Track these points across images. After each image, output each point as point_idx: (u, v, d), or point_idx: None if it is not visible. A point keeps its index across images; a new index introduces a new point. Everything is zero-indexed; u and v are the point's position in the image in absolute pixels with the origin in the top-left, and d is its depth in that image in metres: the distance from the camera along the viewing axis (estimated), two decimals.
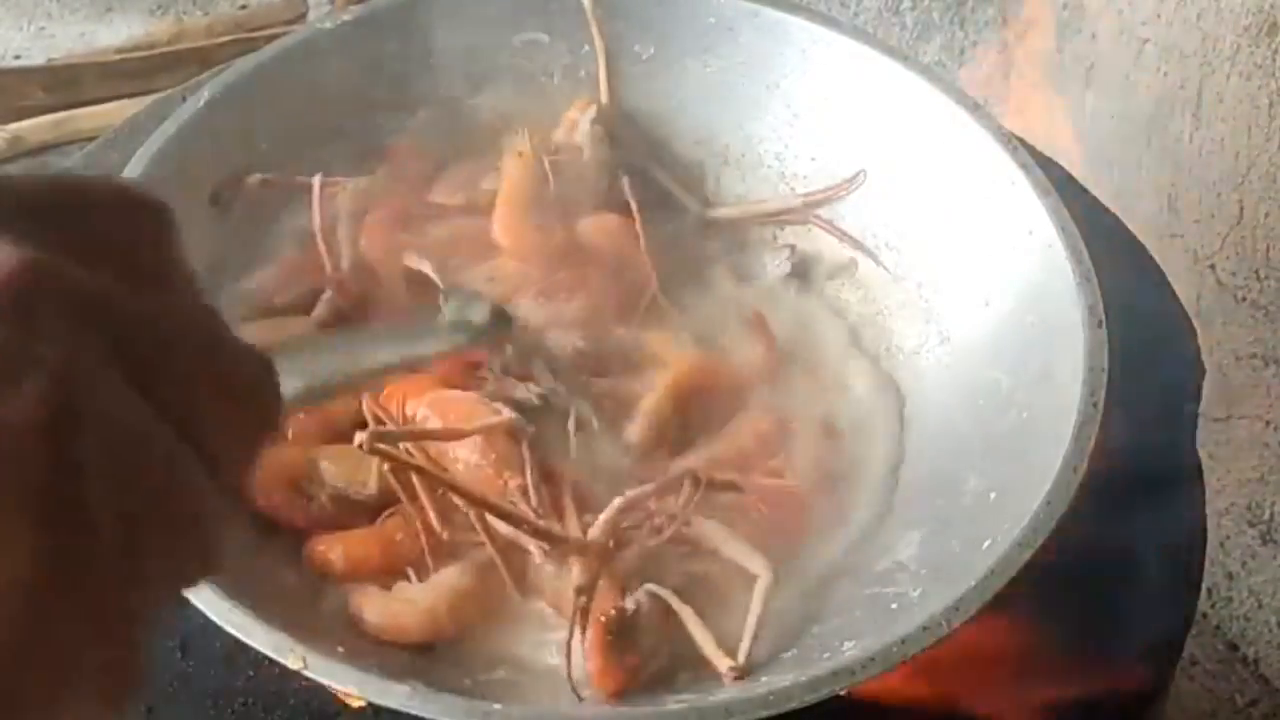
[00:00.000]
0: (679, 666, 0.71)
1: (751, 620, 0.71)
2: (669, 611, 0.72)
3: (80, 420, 0.23)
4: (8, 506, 0.23)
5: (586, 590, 0.70)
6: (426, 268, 0.84)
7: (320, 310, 0.83)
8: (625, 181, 0.91)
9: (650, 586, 0.72)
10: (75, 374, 0.24)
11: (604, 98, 0.94)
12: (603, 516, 0.73)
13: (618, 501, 0.73)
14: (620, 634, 0.69)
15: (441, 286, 0.82)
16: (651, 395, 0.82)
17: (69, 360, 0.24)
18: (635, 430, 0.81)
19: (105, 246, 0.26)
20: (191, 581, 0.27)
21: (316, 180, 0.87)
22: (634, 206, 0.90)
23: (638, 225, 0.89)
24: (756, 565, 0.74)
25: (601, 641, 0.69)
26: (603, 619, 0.69)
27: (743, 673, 0.69)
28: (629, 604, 0.71)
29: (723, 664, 0.69)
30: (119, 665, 0.25)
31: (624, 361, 0.84)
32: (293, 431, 0.77)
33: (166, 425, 0.26)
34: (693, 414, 0.82)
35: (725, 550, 0.75)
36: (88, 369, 0.24)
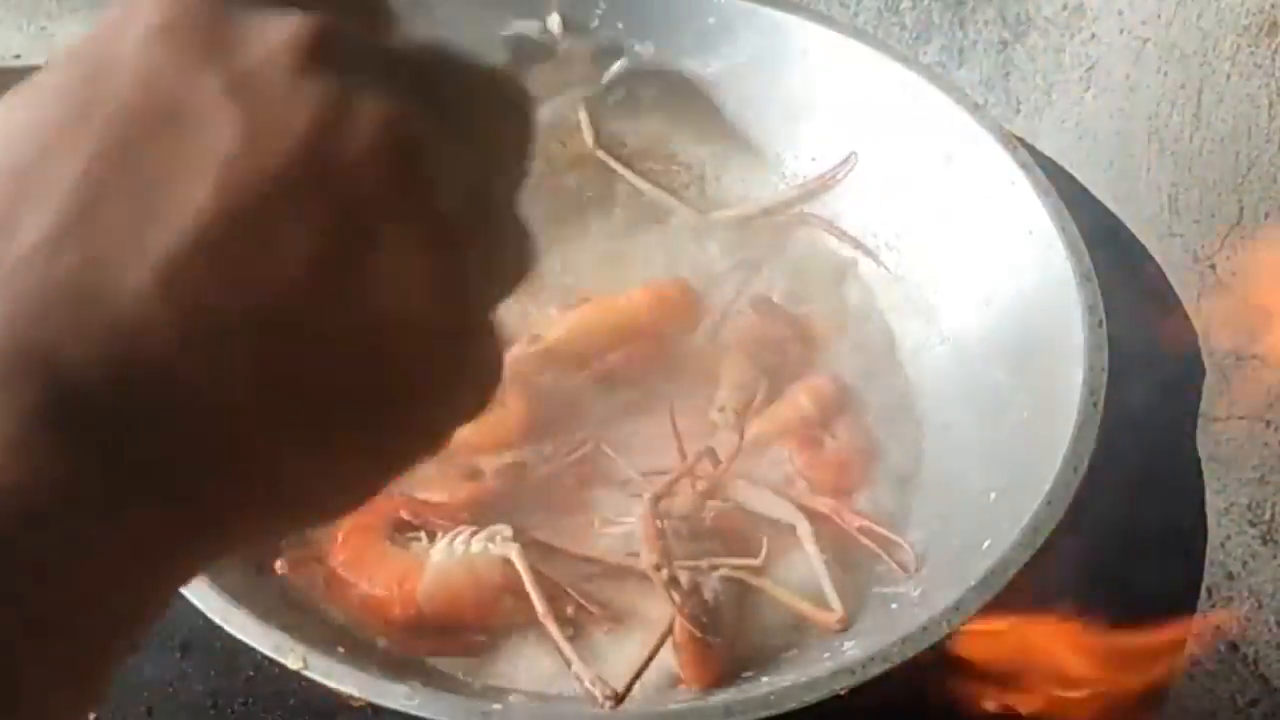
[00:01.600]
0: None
1: (820, 569, 0.72)
2: (742, 594, 0.72)
3: (419, 142, 0.26)
4: (397, 222, 0.25)
5: (664, 564, 0.70)
6: None
7: None
8: (601, 153, 0.93)
9: (723, 571, 0.71)
10: (397, 104, 0.26)
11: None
12: (640, 512, 0.73)
13: (647, 498, 0.74)
14: (705, 625, 0.69)
15: None
16: (727, 361, 0.84)
17: (387, 92, 0.26)
18: (723, 394, 0.82)
19: (348, 4, 0.29)
20: (515, 287, 0.30)
21: None
22: (617, 166, 0.92)
23: (628, 174, 0.91)
24: (790, 515, 0.75)
25: (689, 636, 0.68)
26: (685, 612, 0.68)
27: (846, 621, 0.70)
28: (706, 594, 0.70)
29: (830, 619, 0.70)
30: (487, 358, 0.29)
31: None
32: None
33: (471, 144, 0.28)
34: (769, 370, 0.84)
35: (758, 505, 0.76)
36: (402, 97, 0.26)
